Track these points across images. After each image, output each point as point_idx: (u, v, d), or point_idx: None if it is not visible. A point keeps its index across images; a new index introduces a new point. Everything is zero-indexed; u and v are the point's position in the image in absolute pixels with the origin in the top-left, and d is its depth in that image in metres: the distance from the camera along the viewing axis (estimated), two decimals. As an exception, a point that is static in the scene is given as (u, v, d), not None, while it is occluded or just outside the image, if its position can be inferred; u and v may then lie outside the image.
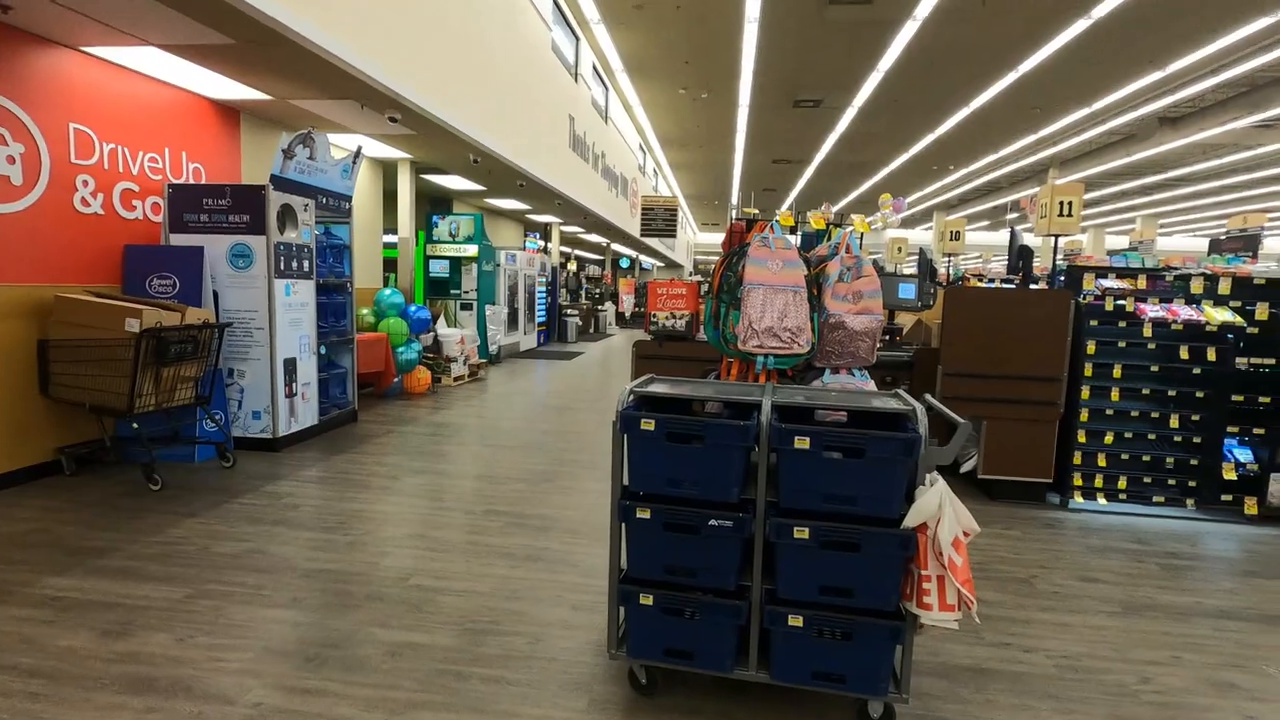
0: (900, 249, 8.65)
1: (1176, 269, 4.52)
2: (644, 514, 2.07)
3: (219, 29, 3.94)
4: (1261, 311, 4.17)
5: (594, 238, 20.01)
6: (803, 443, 1.94)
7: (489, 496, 4.23)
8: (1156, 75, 11.54)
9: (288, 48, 4.25)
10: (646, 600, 2.10)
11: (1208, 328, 4.14)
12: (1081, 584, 3.25)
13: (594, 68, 12.75)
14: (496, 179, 9.41)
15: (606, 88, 14.07)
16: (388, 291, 7.51)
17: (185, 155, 5.27)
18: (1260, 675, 2.50)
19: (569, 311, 15.89)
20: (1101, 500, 4.33)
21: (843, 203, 25.48)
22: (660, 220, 15.72)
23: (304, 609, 2.71)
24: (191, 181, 5.31)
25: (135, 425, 4.08)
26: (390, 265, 9.60)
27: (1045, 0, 8.68)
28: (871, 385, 2.88)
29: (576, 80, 11.38)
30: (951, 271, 7.90)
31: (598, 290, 22.55)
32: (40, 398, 4.19)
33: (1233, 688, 2.41)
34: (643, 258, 29.97)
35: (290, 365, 5.12)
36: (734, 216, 3.25)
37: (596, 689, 2.25)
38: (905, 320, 5.72)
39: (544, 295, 14.30)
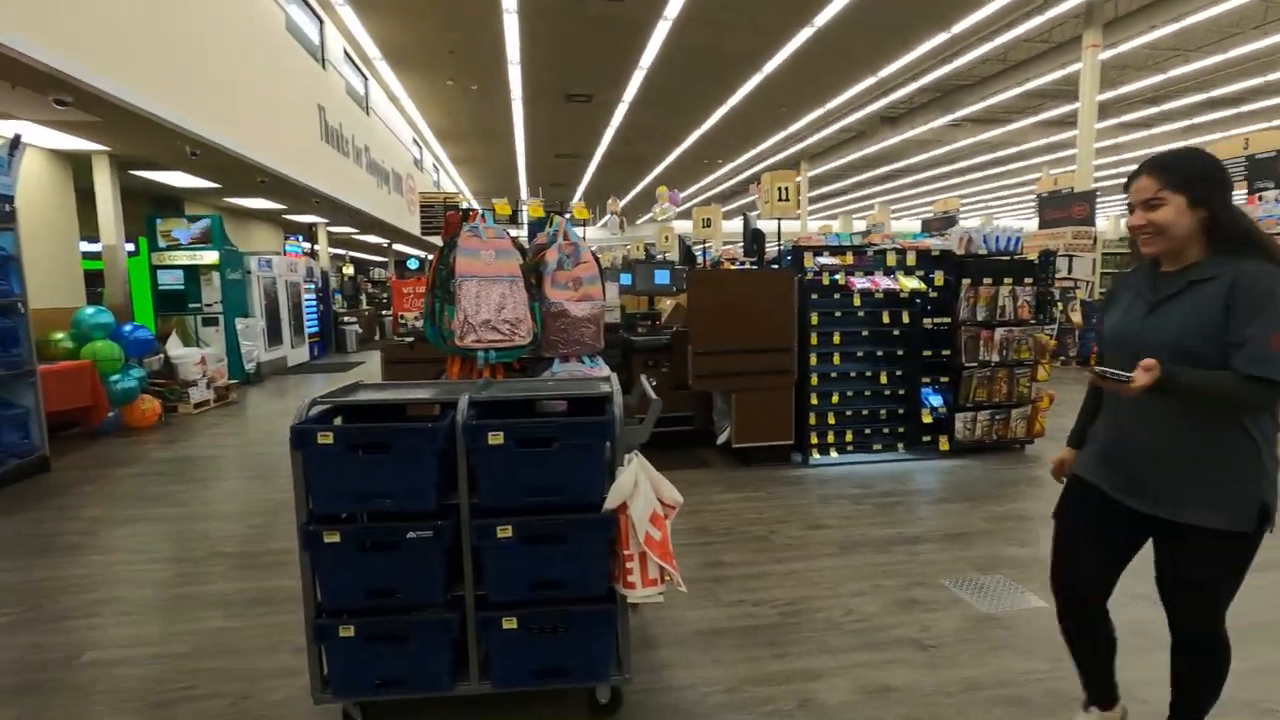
0: (667, 237, 9.08)
1: (876, 245, 5.18)
2: (333, 538, 1.86)
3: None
4: (939, 279, 4.92)
5: (372, 238, 18.66)
6: (496, 438, 1.85)
7: (216, 538, 3.68)
8: (871, 80, 13.32)
9: None
10: (347, 632, 1.89)
11: (901, 294, 4.80)
12: (810, 532, 3.59)
13: (346, 54, 11.79)
14: (231, 175, 8.31)
15: (366, 77, 13.12)
16: (90, 310, 6.29)
17: None
18: (937, 589, 2.92)
19: (347, 319, 14.64)
20: (834, 454, 4.86)
21: (629, 196, 26.39)
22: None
23: None
24: None
25: None
26: (97, 280, 8.08)
27: (773, 10, 9.58)
28: (604, 371, 2.91)
29: (325, 67, 10.44)
30: (710, 257, 8.45)
31: (384, 295, 21.11)
32: None
33: (914, 604, 2.79)
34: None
35: (-71, 411, 4.04)
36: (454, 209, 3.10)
37: (306, 739, 2.00)
38: (665, 305, 5.98)
39: (314, 304, 13.01)
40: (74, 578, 3.20)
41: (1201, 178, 1.51)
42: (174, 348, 7.55)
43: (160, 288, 9.12)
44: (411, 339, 4.77)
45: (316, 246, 15.59)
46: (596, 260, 2.93)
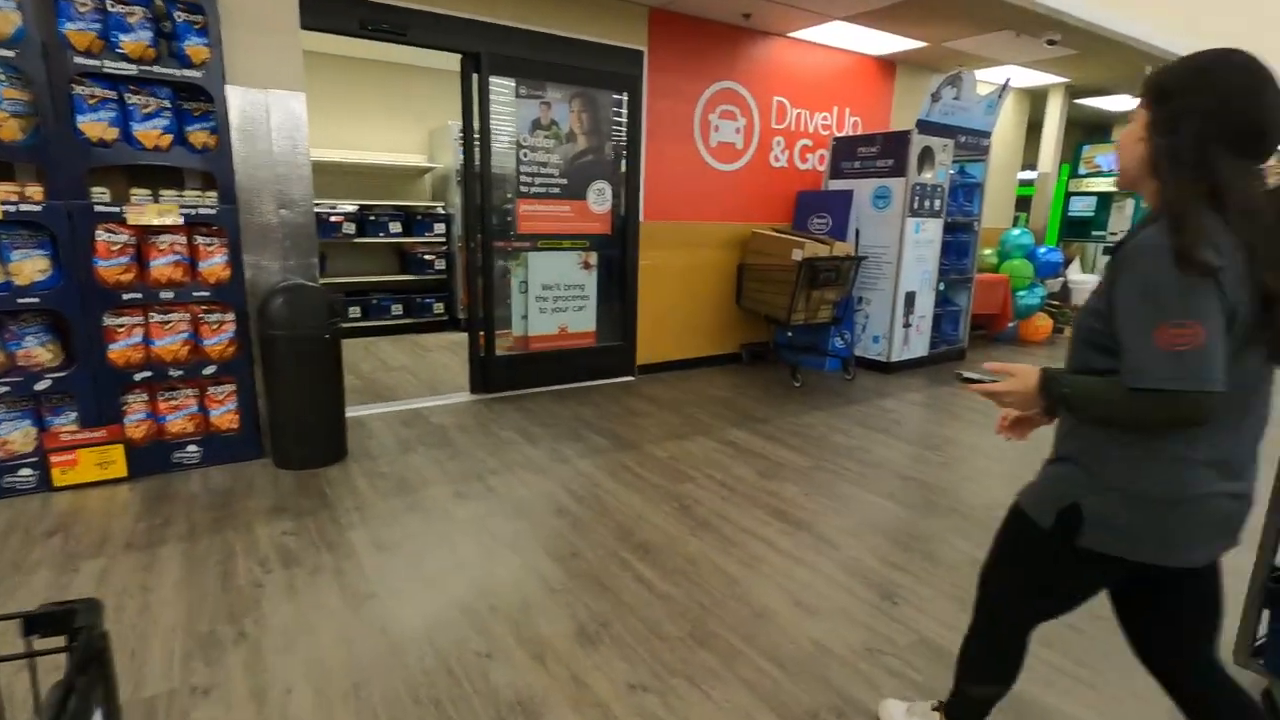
0: None
1: None
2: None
3: (891, -10, 4.42)
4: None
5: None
6: None
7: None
8: None
9: (949, -9, 4.43)
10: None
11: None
12: None
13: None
14: (1181, 92, 7.57)
15: None
16: (1016, 232, 7.16)
17: (848, 111, 6.15)
18: None
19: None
20: None
21: None
22: None
23: (898, 503, 3.13)
24: (850, 133, 6.18)
25: (789, 334, 5.24)
26: (1023, 205, 9.02)
27: None
28: None
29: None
30: None
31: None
32: (734, 307, 5.79)
33: None
34: None
35: (910, 298, 5.57)
36: None
37: None
38: None
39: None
40: (980, 446, 3.94)
41: (1171, 89, 1.07)
42: (1073, 273, 7.85)
43: (1070, 213, 9.48)
44: None
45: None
46: None
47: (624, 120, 4.96)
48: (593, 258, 5.01)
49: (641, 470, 3.43)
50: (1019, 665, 1.43)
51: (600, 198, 4.95)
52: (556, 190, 4.74)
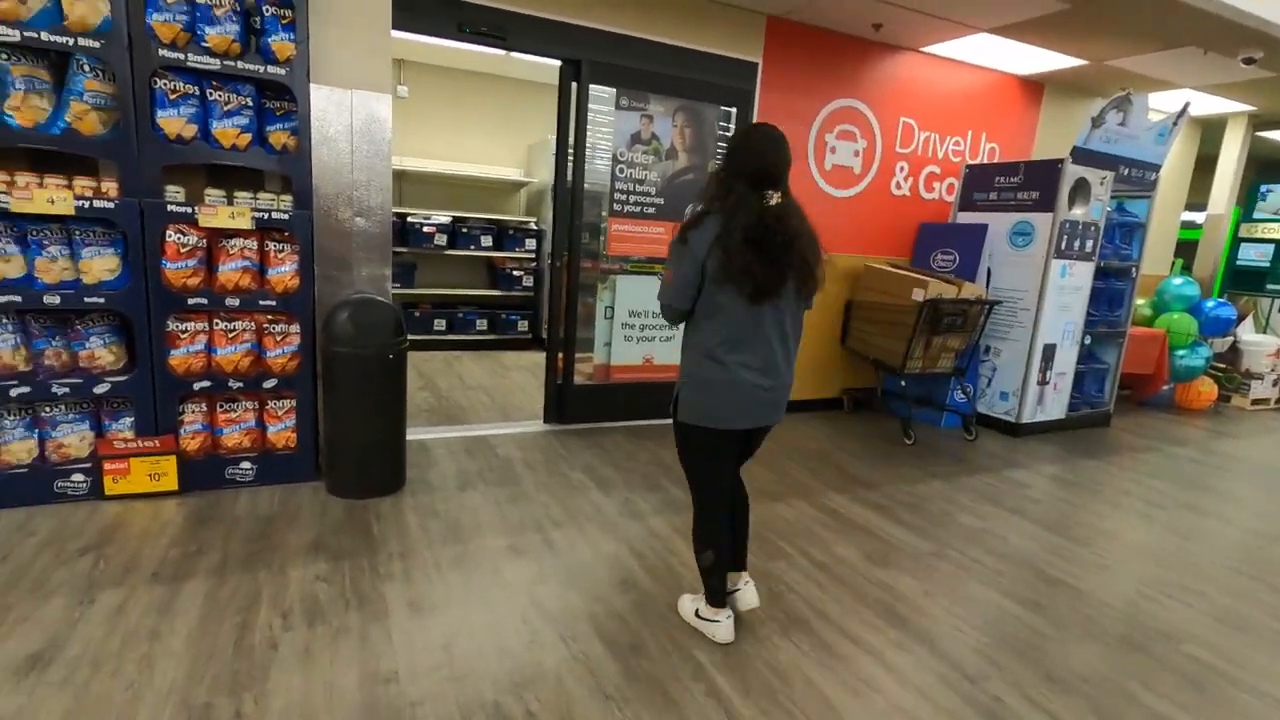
0: None
1: None
2: None
3: (1056, -5, 3.79)
4: None
5: None
6: None
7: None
8: None
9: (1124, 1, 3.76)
10: None
11: None
12: None
13: None
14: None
15: None
16: (1177, 281, 6.18)
17: (984, 136, 5.47)
18: None
19: None
20: None
21: None
22: None
23: (1046, 618, 2.49)
24: (986, 161, 5.49)
25: (902, 383, 4.60)
26: (1184, 250, 7.88)
27: None
28: None
29: None
30: None
31: None
32: (837, 347, 5.20)
33: None
34: None
35: (1049, 351, 4.80)
36: None
37: None
38: None
39: None
40: (1146, 546, 3.19)
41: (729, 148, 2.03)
42: (1245, 331, 6.70)
43: (1238, 262, 8.22)
44: None
45: None
46: None
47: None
48: (686, 285, 4.58)
49: (724, 537, 2.94)
50: (720, 532, 2.15)
51: (699, 220, 4.53)
52: (652, 210, 4.36)
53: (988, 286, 4.90)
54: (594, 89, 4.01)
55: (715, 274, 1.89)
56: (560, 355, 4.29)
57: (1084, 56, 4.87)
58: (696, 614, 2.22)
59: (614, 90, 4.10)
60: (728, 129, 4.51)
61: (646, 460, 3.81)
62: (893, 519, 3.28)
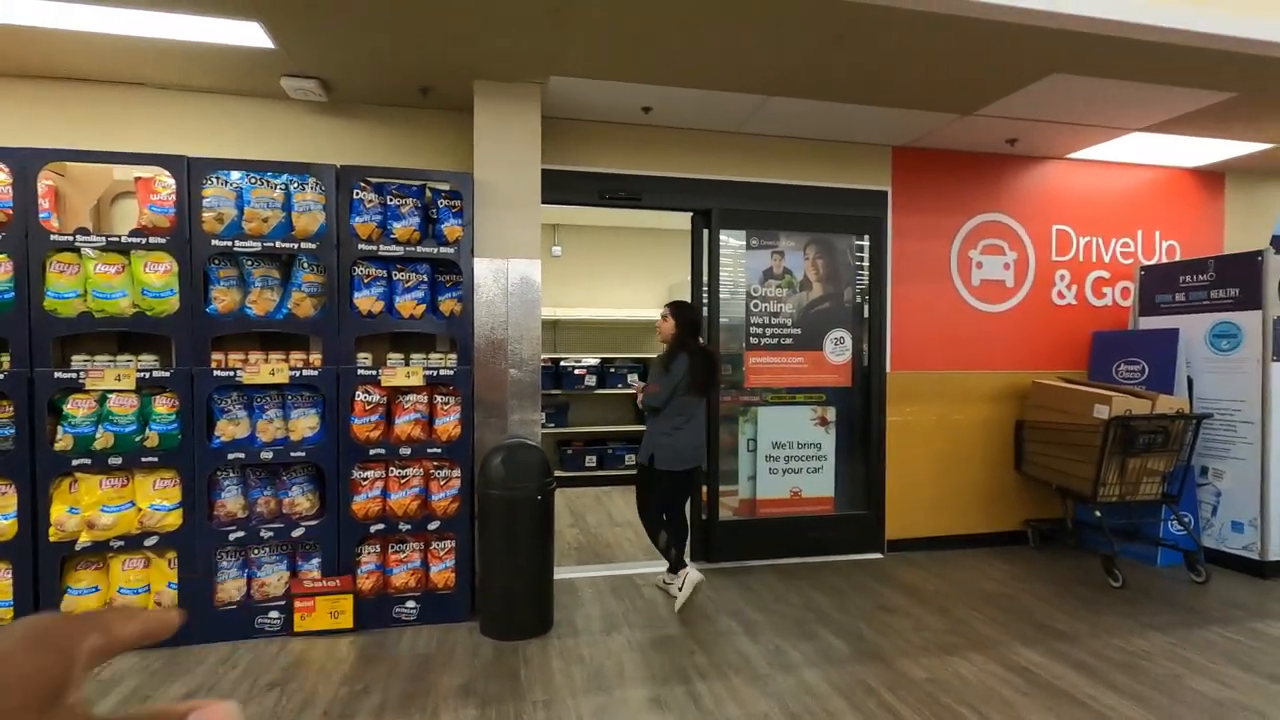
0: None
1: None
2: None
3: (1215, 86, 3.53)
4: None
5: None
6: None
7: None
8: None
9: (1308, 76, 3.41)
10: None
11: None
12: None
13: None
14: None
15: None
16: None
17: (1159, 234, 5.00)
18: None
19: None
20: None
21: None
22: None
23: (1338, 832, 1.90)
24: (1164, 260, 4.98)
25: (1097, 513, 4.01)
26: None
27: None
28: None
29: None
30: None
31: None
32: (1014, 473, 4.69)
33: None
34: None
35: (1289, 471, 3.99)
36: None
37: None
38: None
39: None
40: None
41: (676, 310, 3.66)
42: None
43: None
44: None
45: None
46: None
47: (866, 264, 4.53)
48: (830, 413, 4.45)
49: (891, 698, 2.61)
50: (661, 524, 3.67)
51: (839, 347, 4.46)
52: (789, 341, 4.37)
53: (1191, 398, 4.27)
54: (725, 233, 4.24)
55: (683, 384, 3.53)
56: (704, 490, 4.25)
57: (1267, 140, 4.40)
58: (664, 582, 3.75)
59: (744, 232, 4.30)
60: (862, 257, 4.51)
61: (799, 604, 3.56)
62: (1103, 682, 2.74)
